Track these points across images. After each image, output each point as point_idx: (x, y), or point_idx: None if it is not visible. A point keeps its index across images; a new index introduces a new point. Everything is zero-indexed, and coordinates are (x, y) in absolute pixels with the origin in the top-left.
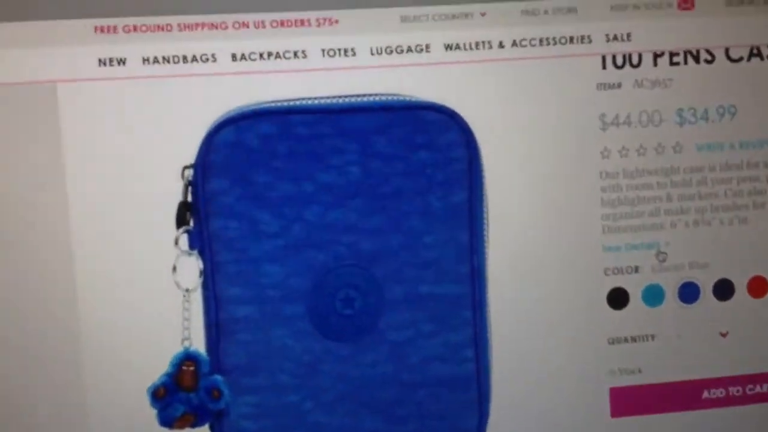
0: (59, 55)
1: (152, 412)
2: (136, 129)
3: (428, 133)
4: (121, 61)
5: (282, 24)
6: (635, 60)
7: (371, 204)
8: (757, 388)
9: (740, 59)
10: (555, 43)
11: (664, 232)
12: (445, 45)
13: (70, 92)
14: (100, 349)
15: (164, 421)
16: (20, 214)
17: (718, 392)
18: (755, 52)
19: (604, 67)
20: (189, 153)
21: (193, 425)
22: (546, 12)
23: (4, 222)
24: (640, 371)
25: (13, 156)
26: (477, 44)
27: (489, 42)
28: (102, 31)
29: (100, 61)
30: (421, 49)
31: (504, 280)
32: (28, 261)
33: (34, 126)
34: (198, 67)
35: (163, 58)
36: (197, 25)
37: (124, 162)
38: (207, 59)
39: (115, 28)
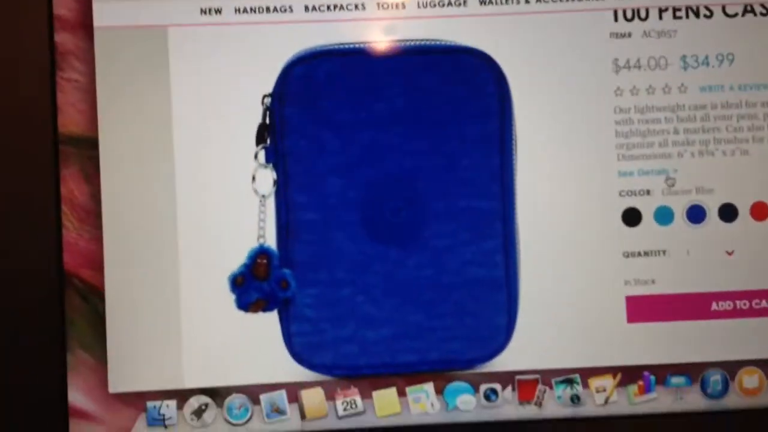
0: (171, 5)
1: (231, 297)
2: (227, 65)
3: (465, 72)
4: (218, 11)
5: None
6: (643, 14)
7: (415, 130)
8: (763, 303)
9: (735, 15)
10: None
11: (672, 161)
12: (479, 0)
13: (178, 35)
14: (196, 240)
15: (241, 305)
16: (132, 130)
17: (726, 305)
18: (749, 9)
19: (615, 20)
20: (268, 84)
21: (264, 310)
22: None
23: (120, 133)
24: (653, 282)
25: (130, 81)
26: (507, 0)
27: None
28: None
29: (201, 10)
30: (460, 3)
31: (530, 198)
32: (138, 177)
33: (149, 58)
34: (278, 16)
35: (251, 8)
36: None
37: (217, 91)
38: (285, 9)
39: None
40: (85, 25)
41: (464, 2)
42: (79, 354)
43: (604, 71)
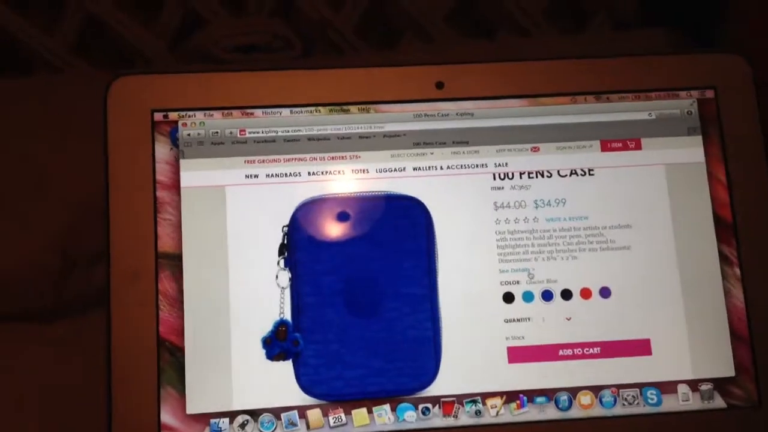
0: (228, 173)
1: (263, 352)
2: (261, 208)
3: (405, 210)
4: (255, 176)
5: (333, 158)
6: (510, 175)
7: (375, 246)
8: (590, 350)
9: (565, 175)
10: (468, 168)
11: (531, 263)
12: (413, 168)
13: (232, 191)
14: (241, 316)
15: (269, 357)
16: (203, 249)
17: (568, 351)
18: (574, 172)
19: (494, 179)
20: (286, 219)
21: (284, 360)
22: (463, 152)
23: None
24: (523, 338)
25: (202, 219)
26: (429, 167)
27: (435, 167)
28: (247, 162)
29: (246, 175)
30: (402, 170)
31: (446, 287)
32: (206, 278)
33: (214, 206)
34: (292, 179)
35: (276, 174)
36: (293, 159)
37: (255, 224)
38: (297, 174)
39: (254, 160)
40: (175, 186)
41: (404, 169)
42: (168, 389)
43: (488, 209)
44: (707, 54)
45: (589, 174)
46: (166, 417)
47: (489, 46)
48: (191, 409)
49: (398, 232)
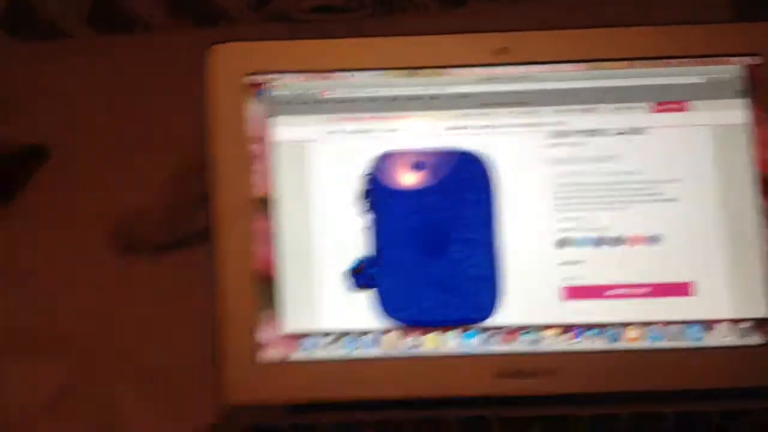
0: (311, 129)
1: (346, 283)
2: (342, 161)
3: (468, 164)
4: (336, 132)
5: (405, 117)
6: (568, 134)
7: (442, 196)
8: (638, 291)
9: (619, 134)
10: (528, 126)
11: (584, 213)
12: (478, 126)
13: (315, 145)
14: (330, 253)
15: (351, 287)
16: (291, 193)
17: (618, 291)
18: (627, 131)
19: (553, 137)
20: (363, 171)
21: (364, 290)
22: (524, 112)
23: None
24: (576, 279)
25: (288, 169)
26: (493, 126)
27: (498, 125)
28: (329, 120)
29: (328, 132)
30: (468, 128)
31: (508, 233)
32: (300, 219)
33: (297, 158)
34: (369, 134)
35: (354, 130)
36: (370, 117)
37: (339, 172)
38: (374, 131)
39: (335, 118)
40: (267, 140)
41: (470, 127)
42: (266, 313)
43: (546, 165)
44: (755, 24)
45: (641, 133)
46: (265, 336)
47: (554, 4)
48: (286, 329)
49: (463, 183)
